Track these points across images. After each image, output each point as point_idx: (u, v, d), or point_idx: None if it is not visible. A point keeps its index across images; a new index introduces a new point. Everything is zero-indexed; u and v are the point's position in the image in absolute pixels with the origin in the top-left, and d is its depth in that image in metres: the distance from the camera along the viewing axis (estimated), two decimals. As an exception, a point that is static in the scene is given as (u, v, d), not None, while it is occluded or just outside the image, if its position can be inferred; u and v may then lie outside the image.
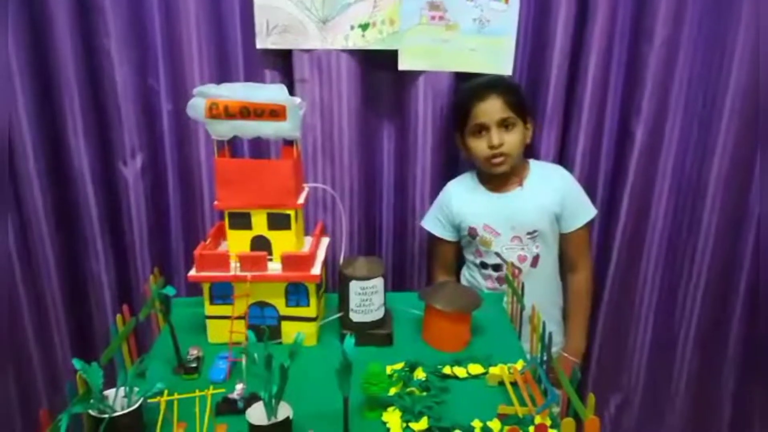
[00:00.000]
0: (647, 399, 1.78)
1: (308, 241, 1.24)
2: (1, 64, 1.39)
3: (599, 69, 1.50)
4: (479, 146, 1.44)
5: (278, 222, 1.14)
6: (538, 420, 0.89)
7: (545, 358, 0.99)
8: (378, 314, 1.18)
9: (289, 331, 1.15)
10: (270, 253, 1.14)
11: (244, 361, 1.00)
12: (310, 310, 1.15)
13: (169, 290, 1.06)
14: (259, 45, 1.47)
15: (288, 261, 1.12)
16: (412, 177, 1.60)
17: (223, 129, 1.10)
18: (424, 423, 0.91)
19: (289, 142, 1.14)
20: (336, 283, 1.23)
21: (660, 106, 1.50)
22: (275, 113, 1.07)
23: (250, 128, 1.09)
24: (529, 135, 1.49)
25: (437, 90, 1.52)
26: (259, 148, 1.55)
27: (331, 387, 0.85)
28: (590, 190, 1.55)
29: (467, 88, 1.47)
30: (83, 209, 1.57)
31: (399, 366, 1.07)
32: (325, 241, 1.29)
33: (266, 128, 1.09)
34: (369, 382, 0.92)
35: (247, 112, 1.07)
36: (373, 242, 1.71)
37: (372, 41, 1.47)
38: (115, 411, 0.84)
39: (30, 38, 1.44)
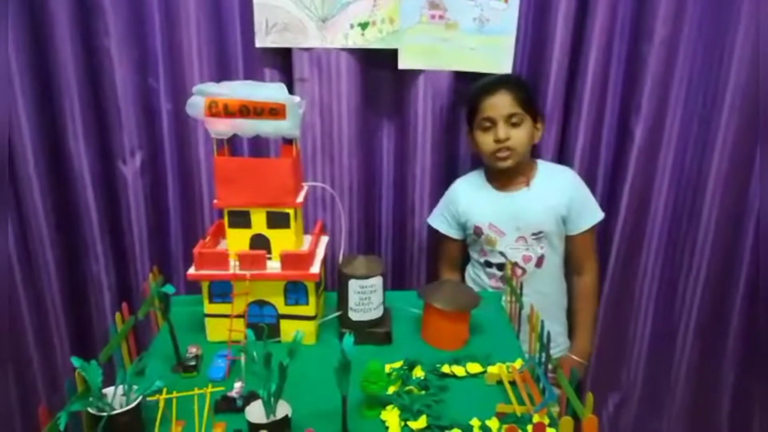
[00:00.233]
0: (646, 396, 1.78)
1: (307, 239, 1.24)
2: (0, 63, 1.39)
3: (599, 67, 1.50)
4: (486, 140, 1.44)
5: (277, 220, 1.14)
6: (536, 419, 0.90)
7: (544, 357, 0.99)
8: (377, 313, 1.18)
9: (288, 330, 1.15)
10: (269, 252, 1.14)
11: (243, 360, 1.00)
12: (309, 309, 1.15)
13: (169, 288, 1.07)
14: (258, 44, 1.47)
15: (287, 259, 1.12)
16: (411, 176, 1.61)
17: (223, 127, 1.10)
18: (422, 421, 0.91)
19: (288, 141, 1.14)
20: (335, 281, 1.23)
21: (660, 103, 1.51)
22: (275, 112, 1.07)
23: (249, 127, 1.09)
24: (539, 135, 1.48)
25: (437, 89, 1.52)
26: (259, 146, 1.56)
27: (330, 385, 0.86)
28: (590, 186, 1.55)
29: (478, 84, 1.47)
30: (83, 208, 1.57)
31: (398, 364, 1.08)
32: (325, 239, 1.29)
33: (266, 127, 1.09)
34: (368, 380, 0.92)
35: (247, 110, 1.07)
36: (373, 241, 1.72)
37: (372, 40, 1.47)
38: (114, 409, 0.84)
39: (30, 37, 1.44)
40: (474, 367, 1.07)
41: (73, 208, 1.58)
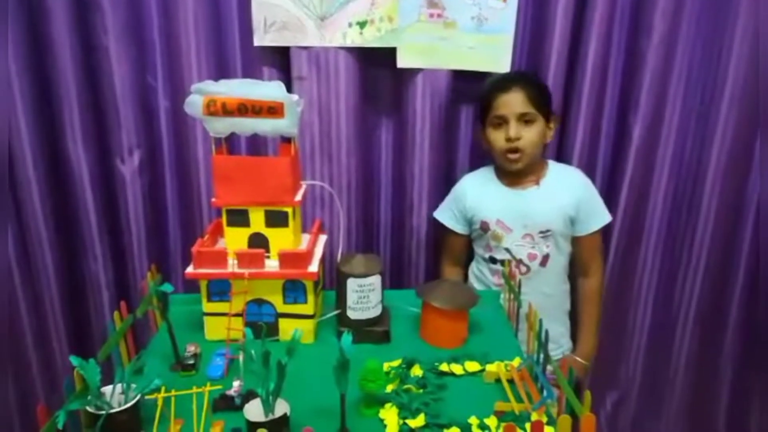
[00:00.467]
0: (644, 393, 1.79)
1: (306, 238, 1.24)
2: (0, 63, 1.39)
3: (598, 62, 1.50)
4: (497, 138, 1.43)
5: (276, 219, 1.14)
6: (534, 417, 0.90)
7: (542, 355, 0.99)
8: (375, 311, 1.18)
9: (287, 328, 1.15)
10: (267, 251, 1.14)
11: (241, 358, 1.00)
12: (308, 308, 1.15)
13: (167, 287, 1.06)
14: (256, 42, 1.47)
15: (285, 258, 1.12)
16: (410, 174, 1.60)
17: (221, 126, 1.09)
18: (421, 420, 0.91)
19: (286, 140, 1.14)
20: (334, 280, 1.23)
21: (658, 98, 1.51)
22: (273, 110, 1.07)
23: (247, 125, 1.09)
24: (551, 134, 1.48)
25: (435, 88, 1.52)
26: (257, 145, 1.55)
27: (329, 384, 0.86)
28: (590, 180, 1.55)
29: (492, 80, 1.47)
30: (81, 206, 1.57)
31: (396, 363, 1.08)
32: (323, 238, 1.30)
33: (264, 125, 1.09)
34: (366, 379, 0.92)
35: (245, 109, 1.07)
36: (371, 239, 1.72)
37: (370, 39, 1.47)
38: (112, 407, 0.84)
39: (28, 36, 1.43)
40: (472, 366, 1.07)
41: (72, 206, 1.58)
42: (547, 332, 0.98)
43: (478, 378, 1.06)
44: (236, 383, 0.95)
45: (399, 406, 0.95)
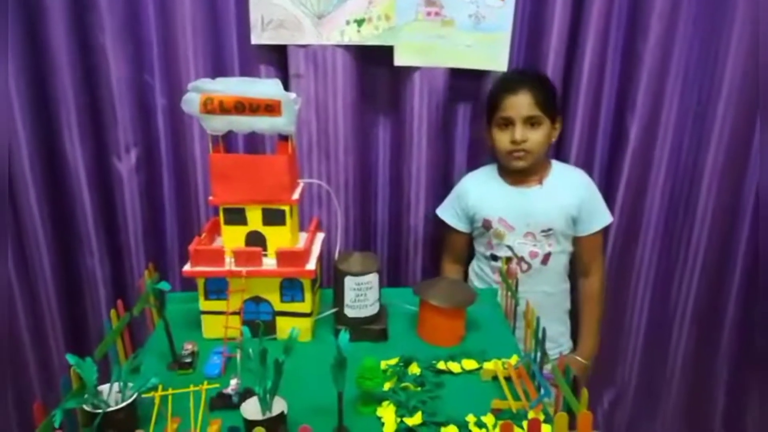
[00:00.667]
0: (641, 391, 1.80)
1: (303, 236, 1.24)
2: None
3: (595, 62, 1.50)
4: (502, 139, 1.43)
5: (273, 217, 1.14)
6: (531, 415, 0.90)
7: (539, 353, 0.99)
8: (373, 310, 1.18)
9: (284, 327, 1.15)
10: (265, 249, 1.14)
11: (238, 357, 1.00)
12: (305, 306, 1.15)
13: (164, 285, 1.06)
14: (254, 40, 1.46)
15: (283, 256, 1.12)
16: (407, 173, 1.60)
17: (218, 124, 1.09)
18: (418, 418, 0.91)
19: (284, 138, 1.14)
20: (331, 278, 1.23)
21: (655, 98, 1.51)
22: (270, 108, 1.07)
23: (245, 123, 1.09)
24: (556, 134, 1.48)
25: (433, 86, 1.52)
26: (254, 143, 1.55)
27: (326, 382, 0.86)
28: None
29: (501, 79, 1.46)
30: (78, 204, 1.57)
31: (393, 361, 1.08)
32: (320, 236, 1.29)
33: (261, 123, 1.09)
34: (363, 377, 0.93)
35: (242, 107, 1.07)
36: (368, 238, 1.72)
37: (367, 37, 1.46)
38: (109, 406, 0.84)
39: (25, 34, 1.43)
40: (469, 364, 1.07)
41: (69, 204, 1.58)
42: (544, 330, 0.98)
43: (475, 376, 1.06)
44: (233, 381, 0.95)
45: (396, 404, 0.95)
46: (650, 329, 1.74)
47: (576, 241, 1.51)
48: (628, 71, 1.52)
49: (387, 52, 1.48)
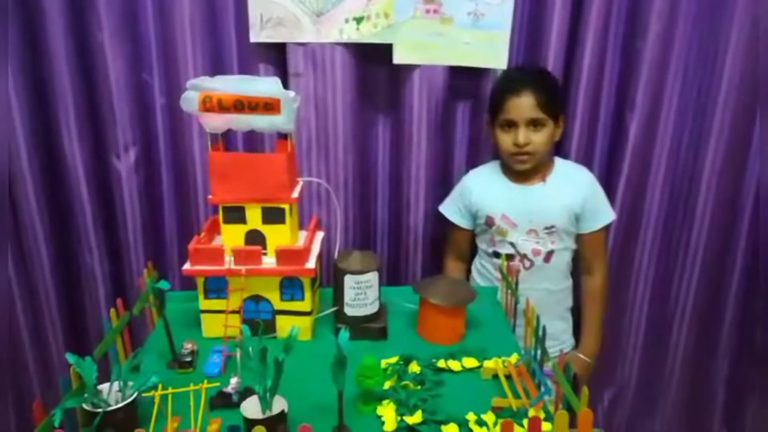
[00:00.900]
0: (641, 389, 1.80)
1: (303, 235, 1.23)
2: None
3: (594, 60, 1.50)
4: (505, 140, 1.43)
5: (273, 216, 1.14)
6: (531, 413, 0.90)
7: (539, 351, 0.99)
8: (373, 308, 1.18)
9: (284, 325, 1.15)
10: (264, 248, 1.14)
11: (238, 355, 1.00)
12: (305, 304, 1.15)
13: (164, 284, 1.06)
14: (253, 38, 1.46)
15: (282, 255, 1.11)
16: (406, 171, 1.60)
17: (217, 122, 1.09)
18: (418, 416, 0.91)
19: (283, 136, 1.14)
20: (331, 277, 1.23)
21: (655, 96, 1.51)
22: (269, 106, 1.07)
23: (244, 122, 1.09)
24: (559, 133, 1.47)
25: (432, 84, 1.52)
26: (253, 141, 1.55)
27: (326, 381, 0.85)
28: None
29: (505, 77, 1.45)
30: (77, 203, 1.57)
31: (393, 359, 1.08)
32: (320, 235, 1.29)
33: (260, 122, 1.09)
34: (364, 375, 0.92)
35: (241, 105, 1.06)
36: (368, 236, 1.72)
37: (366, 35, 1.46)
38: (109, 405, 0.84)
39: (23, 32, 1.43)
40: (470, 362, 1.07)
41: (67, 203, 1.57)
42: (544, 328, 0.98)
43: (475, 374, 1.06)
44: (233, 380, 0.95)
45: (396, 402, 0.94)
46: (650, 327, 1.74)
47: (579, 238, 1.51)
48: (628, 69, 1.52)
49: (386, 50, 1.48)
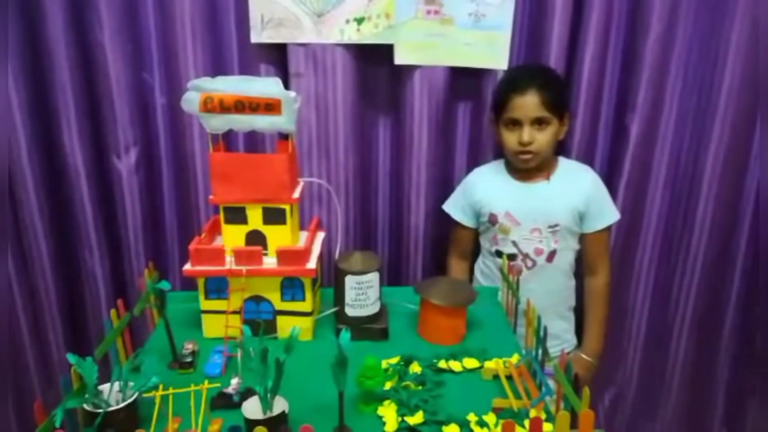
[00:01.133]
0: (642, 390, 1.79)
1: (303, 235, 1.23)
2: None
3: (595, 62, 1.50)
4: (510, 139, 1.42)
5: (273, 216, 1.14)
6: (533, 413, 0.90)
7: (540, 351, 0.99)
8: (373, 309, 1.18)
9: (285, 326, 1.15)
10: (265, 248, 1.14)
11: (239, 356, 1.00)
12: (306, 305, 1.15)
13: (164, 285, 1.06)
14: (253, 39, 1.46)
15: (283, 255, 1.11)
16: (407, 171, 1.60)
17: (218, 123, 1.09)
18: (419, 417, 0.91)
19: (284, 136, 1.14)
20: (332, 277, 1.23)
21: (656, 98, 1.51)
22: (270, 107, 1.07)
23: (245, 122, 1.09)
24: (564, 131, 1.46)
25: (433, 85, 1.52)
26: (254, 142, 1.55)
27: (327, 381, 0.86)
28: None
29: (510, 76, 1.45)
30: (77, 204, 1.56)
31: (394, 360, 1.08)
32: (321, 235, 1.29)
33: (261, 122, 1.09)
34: (364, 376, 0.92)
35: (242, 105, 1.07)
36: (369, 237, 1.71)
37: (367, 35, 1.46)
38: (110, 405, 0.84)
39: (24, 32, 1.43)
40: (470, 363, 1.07)
41: (68, 203, 1.57)
42: (545, 328, 0.98)
43: (476, 375, 1.06)
44: (234, 381, 0.95)
45: (397, 403, 0.94)
46: (651, 328, 1.74)
47: (583, 238, 1.51)
48: (629, 70, 1.52)
49: (387, 50, 1.48)
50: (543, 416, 0.88)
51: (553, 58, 1.49)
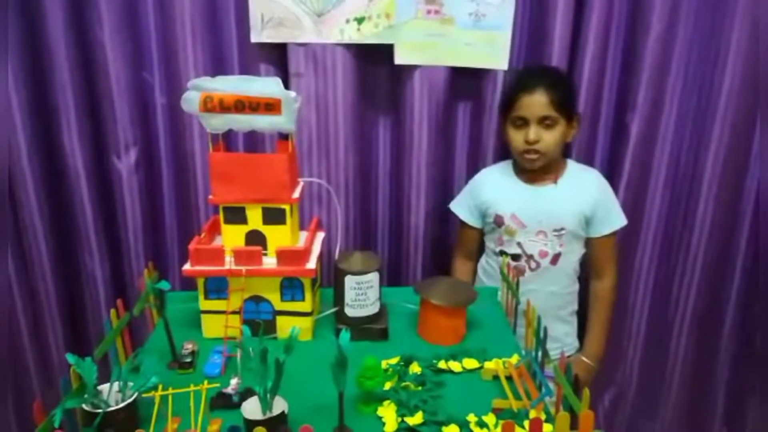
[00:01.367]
0: (642, 390, 1.79)
1: (303, 235, 1.23)
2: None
3: (595, 61, 1.50)
4: (516, 138, 1.42)
5: (273, 216, 1.14)
6: (532, 414, 0.90)
7: (540, 352, 0.99)
8: (373, 309, 1.18)
9: (284, 326, 1.15)
10: (265, 248, 1.14)
11: (239, 356, 1.00)
12: (306, 305, 1.15)
13: (164, 285, 1.06)
14: (253, 39, 1.46)
15: (283, 255, 1.11)
16: (407, 171, 1.60)
17: (218, 122, 1.09)
18: (419, 417, 0.91)
19: (284, 136, 1.14)
20: (331, 277, 1.23)
21: (656, 97, 1.51)
22: (270, 107, 1.07)
23: (244, 122, 1.09)
24: (572, 133, 1.45)
25: (433, 84, 1.52)
26: (254, 142, 1.55)
27: (327, 381, 0.85)
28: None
29: (518, 75, 1.45)
30: (77, 203, 1.56)
31: (394, 360, 1.08)
32: (321, 235, 1.29)
33: (261, 122, 1.09)
34: (364, 376, 0.92)
35: (242, 105, 1.07)
36: (369, 237, 1.71)
37: (367, 35, 1.46)
38: (109, 406, 0.84)
39: (24, 31, 1.43)
40: (470, 363, 1.07)
41: (68, 203, 1.57)
42: (545, 329, 0.98)
43: (476, 375, 1.06)
44: (234, 381, 0.95)
45: (397, 403, 0.94)
46: (651, 328, 1.74)
47: (589, 242, 1.50)
48: (629, 70, 1.52)
49: (387, 50, 1.48)
50: (543, 417, 0.88)
51: (554, 58, 1.49)
